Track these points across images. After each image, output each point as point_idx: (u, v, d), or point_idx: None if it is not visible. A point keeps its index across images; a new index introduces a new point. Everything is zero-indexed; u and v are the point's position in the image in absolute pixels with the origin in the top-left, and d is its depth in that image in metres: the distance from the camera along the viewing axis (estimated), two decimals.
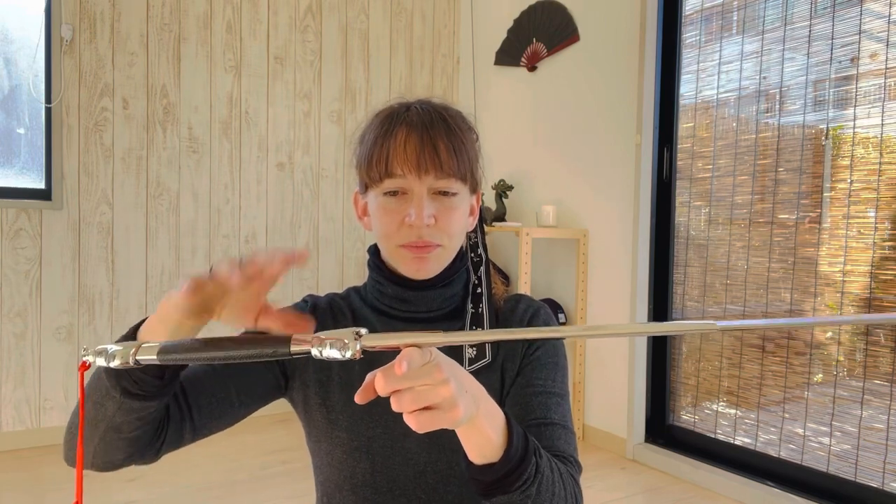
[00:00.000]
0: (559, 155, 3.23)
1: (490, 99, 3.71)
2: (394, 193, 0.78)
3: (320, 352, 0.50)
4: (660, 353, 2.84)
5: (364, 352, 0.86)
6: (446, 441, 0.82)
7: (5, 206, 2.75)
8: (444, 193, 0.78)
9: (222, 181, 3.24)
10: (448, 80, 3.94)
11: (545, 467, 0.66)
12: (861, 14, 2.15)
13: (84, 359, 0.56)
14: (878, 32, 2.13)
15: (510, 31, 3.52)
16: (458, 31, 3.96)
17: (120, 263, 3.00)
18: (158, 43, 3.07)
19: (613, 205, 2.92)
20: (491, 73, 3.69)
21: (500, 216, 3.33)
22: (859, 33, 2.16)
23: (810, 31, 2.30)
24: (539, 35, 3.33)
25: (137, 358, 0.54)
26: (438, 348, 0.54)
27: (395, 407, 0.51)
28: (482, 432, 0.59)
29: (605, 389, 2.98)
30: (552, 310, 2.53)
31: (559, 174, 3.23)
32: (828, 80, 2.27)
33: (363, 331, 0.50)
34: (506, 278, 3.43)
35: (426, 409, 0.51)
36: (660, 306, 2.83)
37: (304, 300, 0.93)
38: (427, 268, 0.80)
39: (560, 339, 0.89)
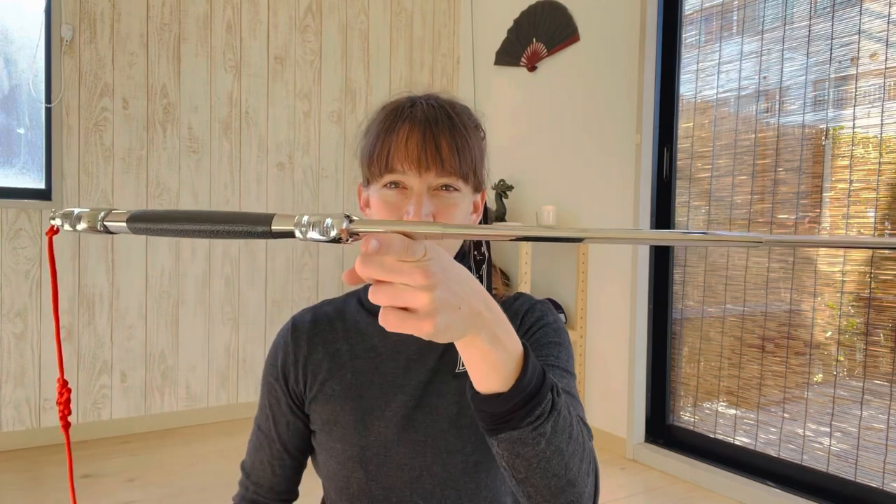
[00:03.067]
0: (559, 155, 3.23)
1: (490, 99, 3.71)
2: (394, 186, 0.77)
3: (304, 233, 0.46)
4: (660, 353, 2.84)
5: (361, 358, 0.86)
6: (441, 444, 0.81)
7: (5, 206, 2.75)
8: (446, 189, 0.77)
9: (222, 181, 3.24)
10: (448, 80, 3.93)
11: (563, 407, 0.59)
12: (860, 14, 2.15)
13: (51, 222, 0.53)
14: (878, 32, 2.13)
15: (510, 31, 3.52)
16: (458, 31, 3.96)
17: (120, 263, 3.00)
18: (158, 43, 3.07)
19: (613, 205, 2.92)
20: (491, 73, 3.69)
21: (500, 216, 3.33)
22: (859, 33, 2.16)
23: (810, 31, 2.30)
24: (539, 35, 3.33)
25: (106, 223, 0.51)
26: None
27: (371, 297, 0.46)
28: (485, 357, 0.53)
29: (605, 389, 2.98)
30: (549, 303, 2.53)
31: (559, 174, 3.23)
32: (827, 80, 2.27)
33: (355, 217, 0.46)
34: (506, 278, 3.43)
35: (402, 309, 0.46)
36: (660, 306, 2.83)
37: (286, 325, 0.91)
38: None
39: (563, 322, 0.88)
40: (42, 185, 2.88)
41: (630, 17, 2.84)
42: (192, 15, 3.14)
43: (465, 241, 0.87)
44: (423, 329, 0.46)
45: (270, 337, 3.36)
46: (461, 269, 0.50)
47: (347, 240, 0.46)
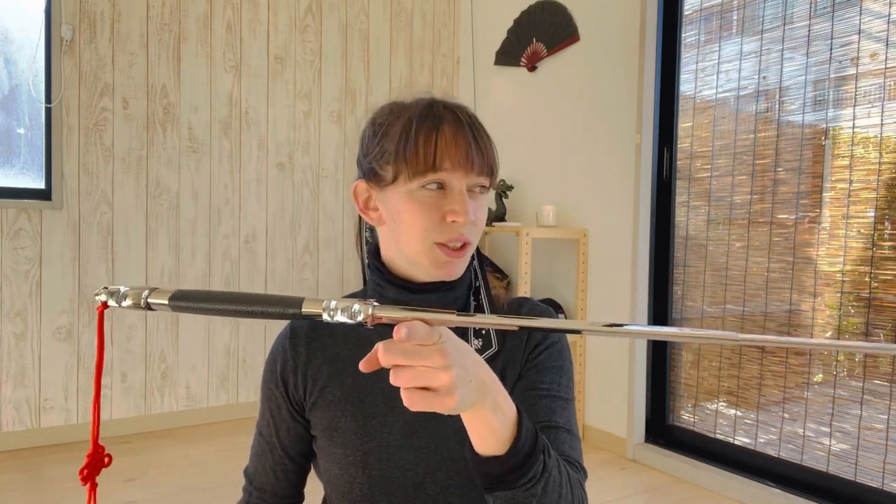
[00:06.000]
0: (559, 155, 3.23)
1: (490, 99, 3.71)
2: (438, 187, 0.75)
3: (331, 316, 0.51)
4: (660, 353, 2.84)
5: (357, 367, 0.85)
6: (445, 451, 0.80)
7: (5, 206, 2.75)
8: (482, 189, 0.78)
9: (222, 181, 3.24)
10: (448, 80, 3.94)
11: (553, 468, 0.64)
12: (860, 14, 2.15)
13: (97, 298, 0.57)
14: (878, 32, 2.13)
15: (510, 31, 3.52)
16: (458, 31, 3.96)
17: (120, 263, 3.00)
18: (158, 43, 3.07)
19: (613, 205, 2.92)
20: (491, 73, 3.69)
21: (500, 216, 3.33)
22: (858, 33, 2.16)
23: (809, 30, 2.30)
24: (539, 35, 3.33)
25: (149, 301, 0.56)
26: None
27: (392, 381, 0.50)
28: (486, 423, 0.58)
29: (605, 389, 2.98)
30: (552, 310, 2.52)
31: (559, 174, 3.23)
32: (827, 80, 2.27)
33: (376, 303, 0.51)
34: (504, 277, 3.42)
35: (422, 388, 0.51)
36: (660, 306, 2.83)
37: (284, 330, 0.91)
38: (456, 271, 0.79)
39: (567, 337, 0.87)
40: (42, 185, 2.88)
41: (630, 17, 2.84)
42: (192, 15, 3.14)
43: None
44: (447, 405, 0.51)
45: (270, 337, 3.36)
46: (466, 345, 0.55)
47: (371, 324, 0.51)
